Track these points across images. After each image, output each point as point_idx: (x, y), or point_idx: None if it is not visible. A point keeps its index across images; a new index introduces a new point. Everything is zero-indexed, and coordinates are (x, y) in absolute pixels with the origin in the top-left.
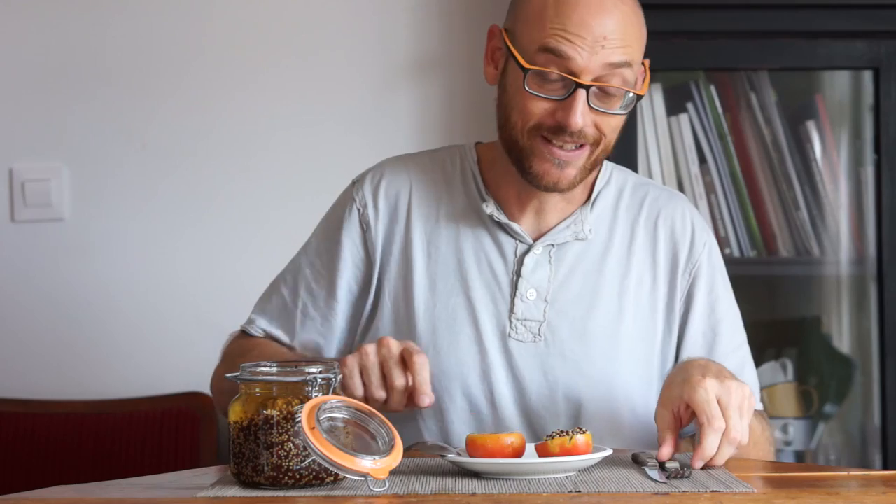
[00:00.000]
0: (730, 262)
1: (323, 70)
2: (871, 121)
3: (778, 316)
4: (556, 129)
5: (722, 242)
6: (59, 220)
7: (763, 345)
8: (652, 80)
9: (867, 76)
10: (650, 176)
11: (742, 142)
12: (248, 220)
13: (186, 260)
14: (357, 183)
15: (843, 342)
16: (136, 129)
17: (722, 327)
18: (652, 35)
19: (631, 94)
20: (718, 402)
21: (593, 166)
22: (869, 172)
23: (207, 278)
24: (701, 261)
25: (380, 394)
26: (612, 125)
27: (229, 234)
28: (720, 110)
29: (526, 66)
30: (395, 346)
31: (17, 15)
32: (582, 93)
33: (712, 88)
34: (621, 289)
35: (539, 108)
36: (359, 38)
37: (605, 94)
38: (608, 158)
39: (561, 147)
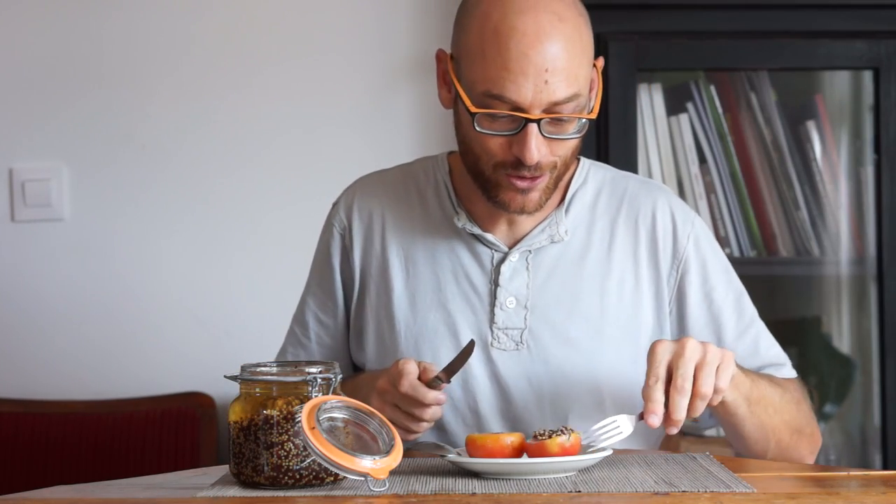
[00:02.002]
0: (729, 262)
1: (323, 70)
2: (871, 121)
3: (778, 316)
4: (517, 164)
5: (722, 242)
6: (59, 220)
7: None
8: (652, 80)
9: (867, 76)
10: (650, 176)
11: (742, 142)
12: (249, 221)
13: (186, 260)
14: (335, 206)
15: (843, 342)
16: (136, 129)
17: (724, 315)
18: (652, 35)
19: (584, 120)
20: (678, 356)
21: (557, 182)
22: (869, 172)
23: (207, 278)
24: (687, 254)
25: (424, 426)
26: (568, 145)
27: (229, 234)
28: (720, 110)
29: (473, 109)
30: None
31: (16, 15)
32: (533, 126)
33: (712, 88)
34: (602, 290)
35: (496, 144)
36: (359, 38)
37: (557, 120)
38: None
39: (522, 177)
